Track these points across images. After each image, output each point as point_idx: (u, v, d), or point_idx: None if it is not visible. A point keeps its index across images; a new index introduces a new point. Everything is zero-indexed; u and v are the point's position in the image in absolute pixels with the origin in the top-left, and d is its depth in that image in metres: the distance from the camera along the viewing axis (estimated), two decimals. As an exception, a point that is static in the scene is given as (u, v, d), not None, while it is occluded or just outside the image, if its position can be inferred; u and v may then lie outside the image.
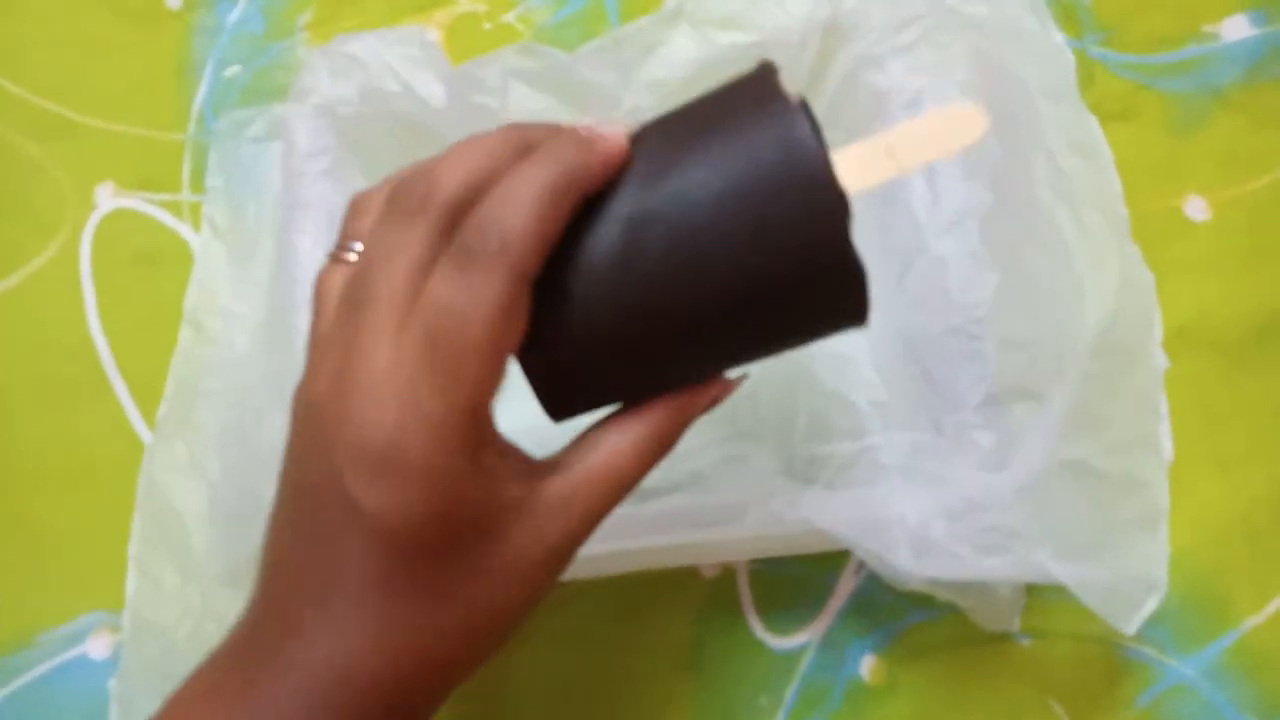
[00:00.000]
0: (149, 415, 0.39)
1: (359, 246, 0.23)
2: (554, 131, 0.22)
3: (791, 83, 0.33)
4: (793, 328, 0.24)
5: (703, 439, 0.36)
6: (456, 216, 0.21)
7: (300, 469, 0.22)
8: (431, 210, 0.21)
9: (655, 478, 0.35)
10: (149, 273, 0.41)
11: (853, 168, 0.23)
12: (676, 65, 0.36)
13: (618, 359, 0.23)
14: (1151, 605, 0.27)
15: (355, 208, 0.24)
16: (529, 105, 0.36)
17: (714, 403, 0.24)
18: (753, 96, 0.23)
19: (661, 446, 0.24)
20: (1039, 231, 0.34)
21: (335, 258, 0.23)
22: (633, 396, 0.24)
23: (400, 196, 0.21)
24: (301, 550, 0.21)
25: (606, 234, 0.22)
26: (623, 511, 0.34)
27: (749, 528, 0.32)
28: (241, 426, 0.34)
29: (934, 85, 0.35)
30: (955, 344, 0.33)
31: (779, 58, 0.36)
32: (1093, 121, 0.36)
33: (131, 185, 0.43)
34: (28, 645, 0.36)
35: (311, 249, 0.33)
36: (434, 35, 0.40)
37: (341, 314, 0.21)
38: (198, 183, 0.42)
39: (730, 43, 0.36)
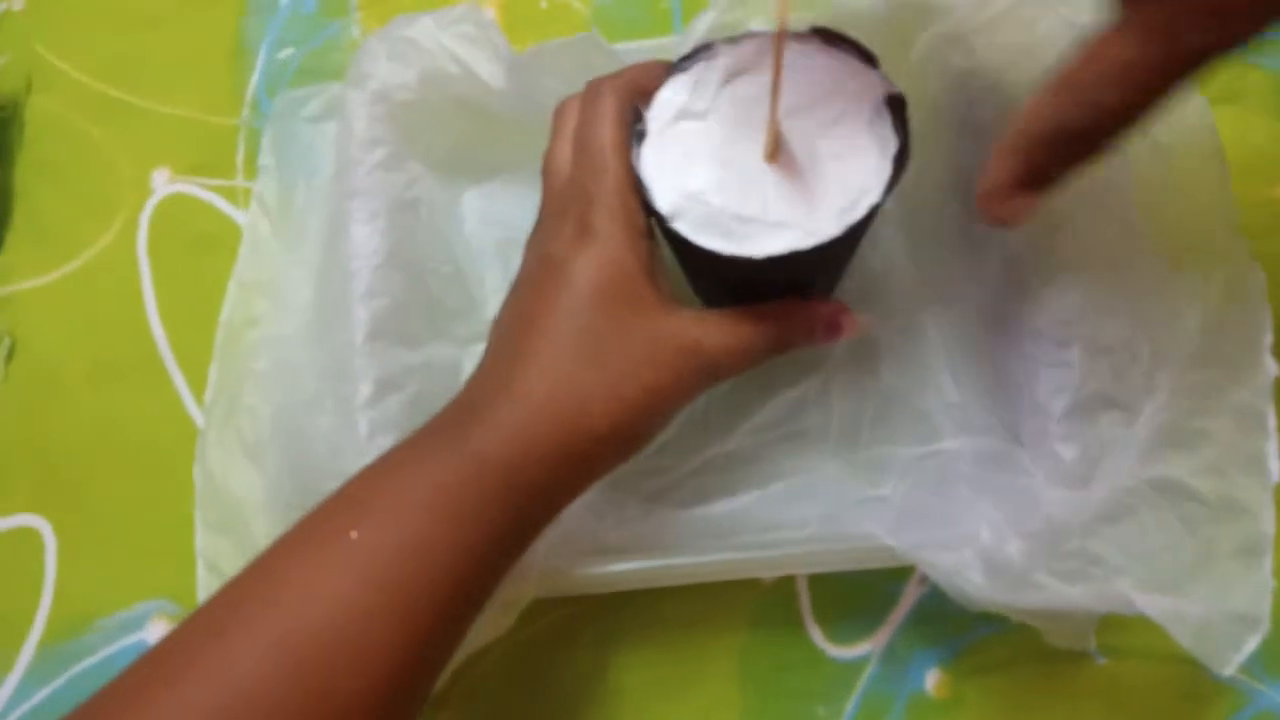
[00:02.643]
0: (202, 398, 0.39)
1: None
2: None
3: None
4: None
5: (765, 438, 0.35)
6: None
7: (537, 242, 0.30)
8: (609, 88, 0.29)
9: (713, 484, 0.34)
10: (203, 258, 0.41)
11: None
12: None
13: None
14: (1252, 645, 0.25)
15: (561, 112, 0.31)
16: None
17: (829, 334, 0.30)
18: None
19: (778, 344, 0.29)
20: (1135, 226, 0.31)
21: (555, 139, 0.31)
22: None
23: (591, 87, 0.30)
24: (514, 308, 0.29)
25: None
26: (684, 517, 0.33)
27: (810, 542, 0.31)
28: (293, 416, 0.34)
29: (1019, 65, 0.33)
30: (1039, 348, 0.31)
31: (857, 36, 0.35)
32: (1201, 103, 0.33)
33: (186, 170, 0.43)
34: (87, 631, 0.37)
35: (368, 239, 0.33)
36: (490, 14, 0.38)
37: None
38: (251, 167, 0.42)
39: (804, 26, 0.34)
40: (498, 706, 0.35)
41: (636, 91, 0.29)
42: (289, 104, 0.40)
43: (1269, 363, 0.29)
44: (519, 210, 0.38)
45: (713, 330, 0.28)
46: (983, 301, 0.33)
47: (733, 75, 0.29)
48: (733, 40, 0.29)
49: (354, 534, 0.24)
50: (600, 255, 0.27)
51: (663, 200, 0.27)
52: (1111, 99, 0.23)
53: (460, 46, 0.34)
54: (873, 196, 0.26)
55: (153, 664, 0.24)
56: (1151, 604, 0.25)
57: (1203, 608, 0.25)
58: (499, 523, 0.25)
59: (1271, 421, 0.28)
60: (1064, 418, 0.30)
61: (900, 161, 0.27)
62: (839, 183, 0.27)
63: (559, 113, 0.31)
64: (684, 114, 0.29)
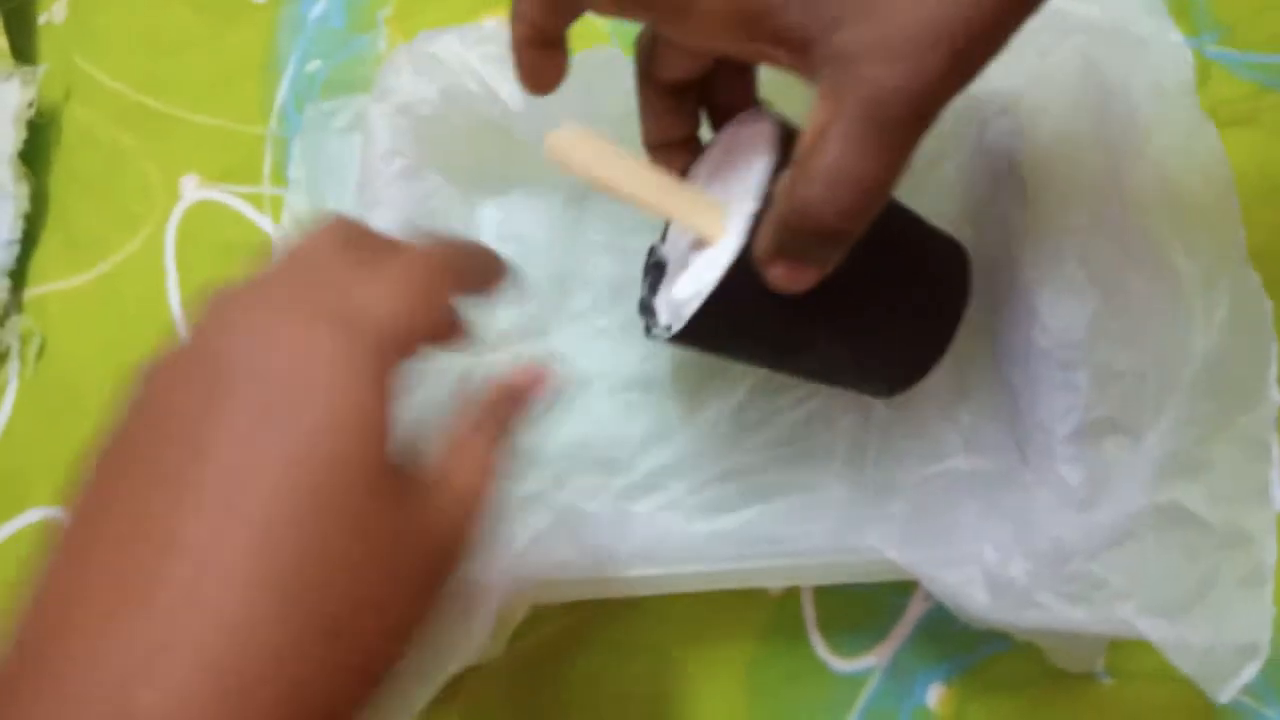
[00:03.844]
0: (226, 405, 0.40)
1: None
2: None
3: None
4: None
5: (771, 455, 0.35)
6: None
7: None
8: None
9: (720, 498, 0.35)
10: (228, 263, 0.42)
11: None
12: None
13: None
14: (1250, 673, 0.25)
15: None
16: (608, 109, 0.35)
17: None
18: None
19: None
20: (1144, 253, 0.32)
21: None
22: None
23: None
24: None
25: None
26: (689, 531, 0.34)
27: (815, 554, 0.31)
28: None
29: (1032, 91, 0.33)
30: (1046, 370, 0.31)
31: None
32: (1211, 131, 0.33)
33: (215, 177, 0.44)
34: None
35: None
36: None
37: None
38: (278, 176, 0.43)
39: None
40: (500, 714, 0.35)
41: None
42: (318, 117, 0.41)
43: (1274, 393, 0.29)
44: (535, 224, 0.39)
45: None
46: (991, 322, 0.34)
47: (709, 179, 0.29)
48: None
49: None
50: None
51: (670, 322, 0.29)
52: (831, 198, 0.21)
53: (483, 65, 0.34)
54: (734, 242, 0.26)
55: None
56: (1154, 628, 0.25)
57: (1204, 634, 0.25)
58: None
59: (1275, 451, 0.28)
60: (1069, 440, 0.30)
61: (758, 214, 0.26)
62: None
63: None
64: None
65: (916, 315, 0.30)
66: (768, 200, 0.25)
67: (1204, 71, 0.39)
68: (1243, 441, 0.28)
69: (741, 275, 0.26)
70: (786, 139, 0.27)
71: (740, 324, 0.28)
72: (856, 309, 0.29)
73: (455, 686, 0.35)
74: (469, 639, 0.29)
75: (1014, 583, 0.27)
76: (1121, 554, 0.27)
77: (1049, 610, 0.26)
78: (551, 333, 0.38)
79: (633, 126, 0.36)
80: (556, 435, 0.37)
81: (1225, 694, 0.25)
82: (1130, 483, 0.28)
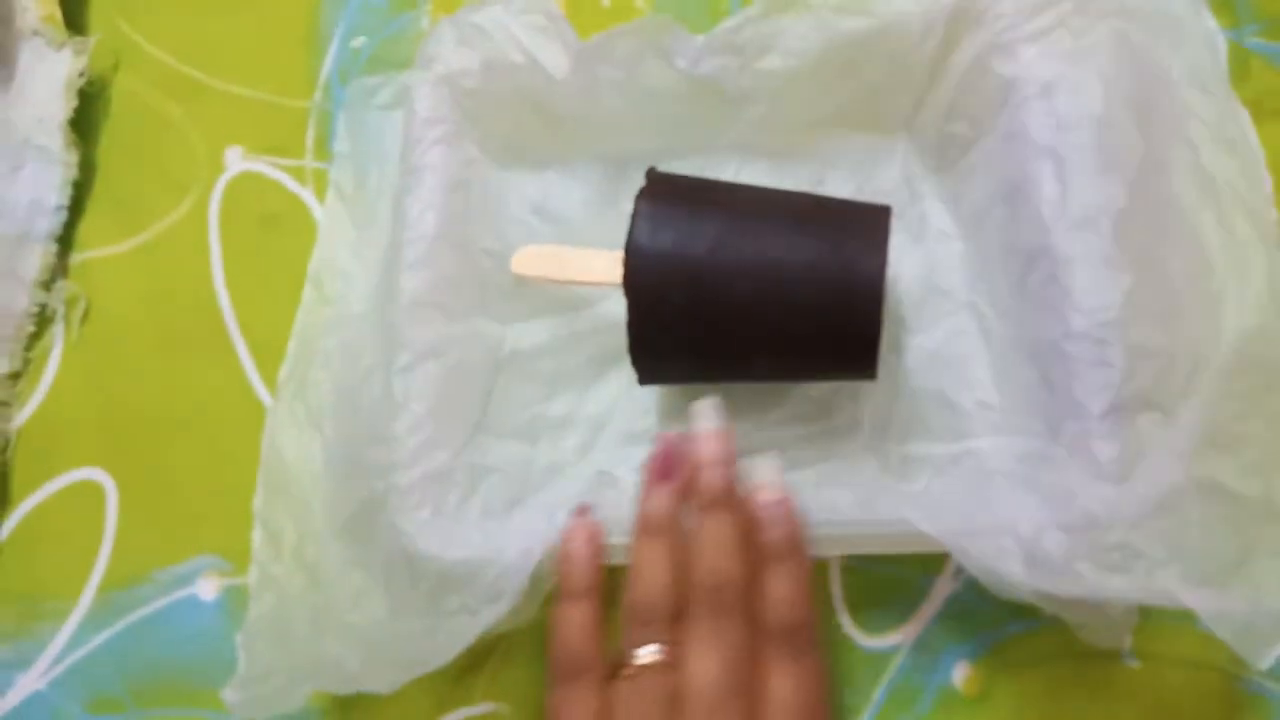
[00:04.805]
0: (263, 369, 0.41)
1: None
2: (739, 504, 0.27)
3: (910, 80, 0.37)
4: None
5: (798, 432, 0.36)
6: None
7: None
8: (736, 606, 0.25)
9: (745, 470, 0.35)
10: (270, 235, 0.43)
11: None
12: (793, 55, 0.36)
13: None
14: (1287, 641, 0.25)
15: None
16: (653, 83, 0.36)
17: None
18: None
19: None
20: (1178, 233, 0.32)
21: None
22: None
23: (704, 597, 0.25)
24: None
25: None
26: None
27: (843, 524, 0.31)
28: (351, 388, 0.35)
29: (1068, 74, 0.33)
30: (1079, 349, 0.31)
31: (900, 44, 0.36)
32: (1244, 115, 0.33)
33: (259, 149, 0.44)
34: (146, 581, 0.38)
35: (421, 213, 0.34)
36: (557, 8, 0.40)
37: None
38: (321, 149, 0.44)
39: (851, 28, 0.35)
40: (531, 676, 0.35)
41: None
42: (361, 92, 0.42)
43: (1307, 370, 0.29)
44: (570, 204, 0.39)
45: None
46: (1024, 303, 0.34)
47: None
48: None
49: None
50: None
51: None
52: None
53: (527, 35, 0.35)
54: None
55: None
56: (1194, 598, 0.25)
57: (1243, 604, 0.25)
58: None
59: (1308, 427, 0.28)
60: (1103, 417, 0.30)
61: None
62: None
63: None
64: None
65: (834, 293, 0.31)
66: (628, 242, 0.31)
67: (1245, 63, 0.39)
68: (1274, 418, 0.28)
69: (639, 313, 0.32)
70: (657, 185, 0.33)
71: (669, 355, 0.33)
72: (771, 310, 0.32)
73: (485, 651, 0.35)
74: (499, 605, 0.29)
75: (1049, 554, 0.28)
76: (1160, 525, 0.27)
77: (1087, 580, 0.26)
78: (582, 309, 0.38)
79: (671, 100, 0.37)
80: (582, 406, 0.37)
81: (1265, 660, 0.25)
82: (1165, 458, 0.28)
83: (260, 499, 0.36)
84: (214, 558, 0.38)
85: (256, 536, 0.35)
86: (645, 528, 0.27)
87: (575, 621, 0.26)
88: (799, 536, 0.26)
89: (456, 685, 0.35)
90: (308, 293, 0.39)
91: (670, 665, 0.24)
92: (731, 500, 0.26)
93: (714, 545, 0.25)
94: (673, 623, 0.25)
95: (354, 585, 0.31)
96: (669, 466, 0.27)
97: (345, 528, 0.32)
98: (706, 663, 0.24)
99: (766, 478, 0.27)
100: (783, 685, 0.24)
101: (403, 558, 0.31)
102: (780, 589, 0.25)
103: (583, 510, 0.28)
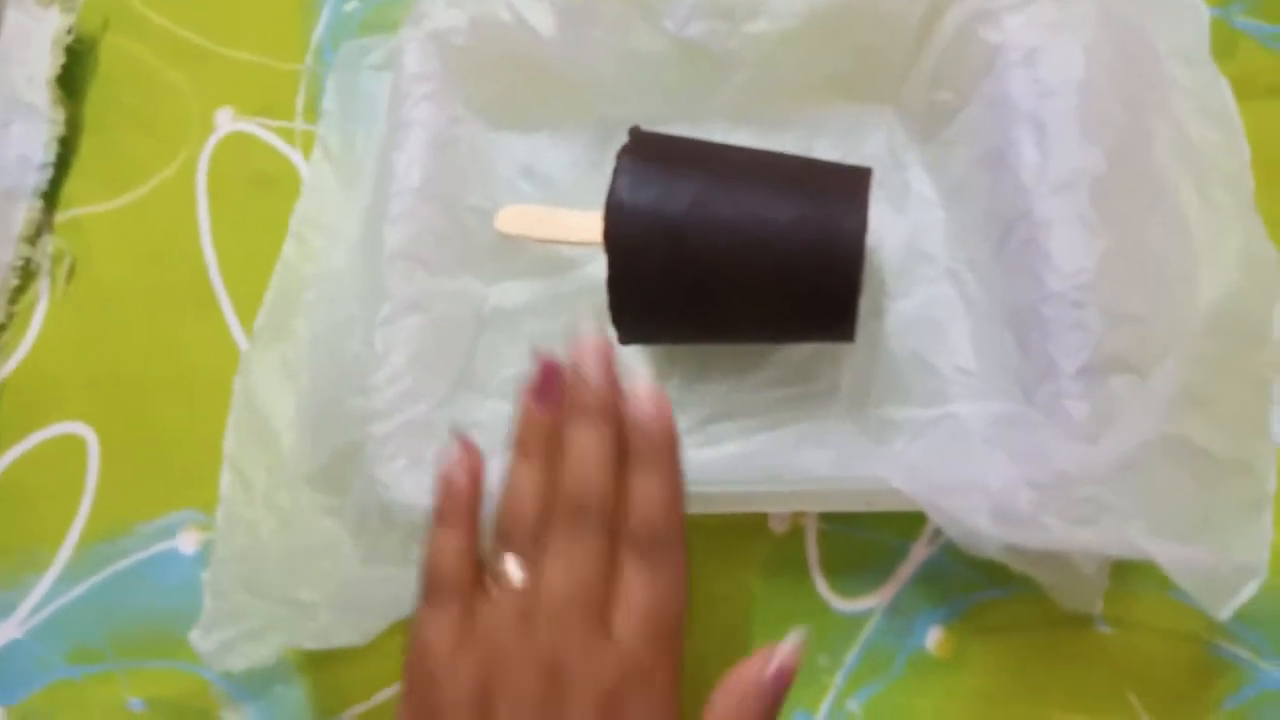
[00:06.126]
0: (248, 328, 0.41)
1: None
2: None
3: (897, 47, 0.37)
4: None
5: (776, 395, 0.36)
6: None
7: None
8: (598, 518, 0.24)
9: (723, 432, 0.35)
10: (258, 195, 0.43)
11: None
12: (781, 19, 0.36)
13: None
14: (1249, 592, 0.25)
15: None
16: (641, 45, 0.36)
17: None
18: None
19: None
20: (1156, 200, 0.32)
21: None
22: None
23: (565, 509, 0.24)
24: None
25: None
26: (695, 456, 0.34)
27: (820, 482, 0.31)
28: (330, 339, 0.35)
29: (1052, 42, 0.34)
30: (1055, 312, 0.31)
31: (888, 9, 0.36)
32: (1225, 86, 0.33)
33: (249, 111, 0.45)
34: (127, 533, 0.39)
35: (407, 167, 0.34)
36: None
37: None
38: (311, 112, 0.44)
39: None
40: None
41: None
42: (353, 53, 0.42)
43: (1278, 335, 0.29)
44: (557, 167, 0.40)
45: None
46: (1003, 267, 0.34)
47: None
48: None
49: None
50: None
51: None
52: None
53: (516, -6, 0.35)
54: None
55: None
56: (1158, 548, 0.26)
57: (1207, 555, 0.25)
58: None
59: (1277, 389, 0.29)
60: (1076, 376, 0.30)
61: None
62: None
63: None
64: None
65: (815, 251, 0.31)
66: (609, 198, 0.32)
67: (1232, 41, 0.40)
68: (1246, 380, 0.29)
69: (619, 270, 0.32)
70: (639, 142, 0.33)
71: (650, 314, 0.33)
72: (752, 269, 0.32)
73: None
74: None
75: (1020, 508, 0.28)
76: (1128, 480, 0.27)
77: (1055, 532, 0.27)
78: (566, 271, 0.38)
79: (659, 63, 0.37)
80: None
81: (1225, 612, 0.25)
82: (1137, 416, 0.28)
83: (231, 442, 0.36)
84: (195, 512, 0.39)
85: (225, 478, 0.35)
86: (518, 444, 0.26)
87: (447, 546, 0.25)
88: (669, 442, 0.25)
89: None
90: (289, 246, 0.39)
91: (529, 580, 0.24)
92: (607, 413, 0.25)
93: (580, 457, 0.24)
94: (536, 538, 0.24)
95: (326, 533, 0.32)
96: (547, 382, 0.26)
97: (319, 475, 0.32)
98: (557, 574, 0.23)
99: (643, 387, 0.26)
100: (636, 596, 0.24)
101: (377, 506, 0.31)
102: (643, 493, 0.24)
103: (463, 440, 0.27)
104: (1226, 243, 0.31)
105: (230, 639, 0.31)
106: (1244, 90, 0.34)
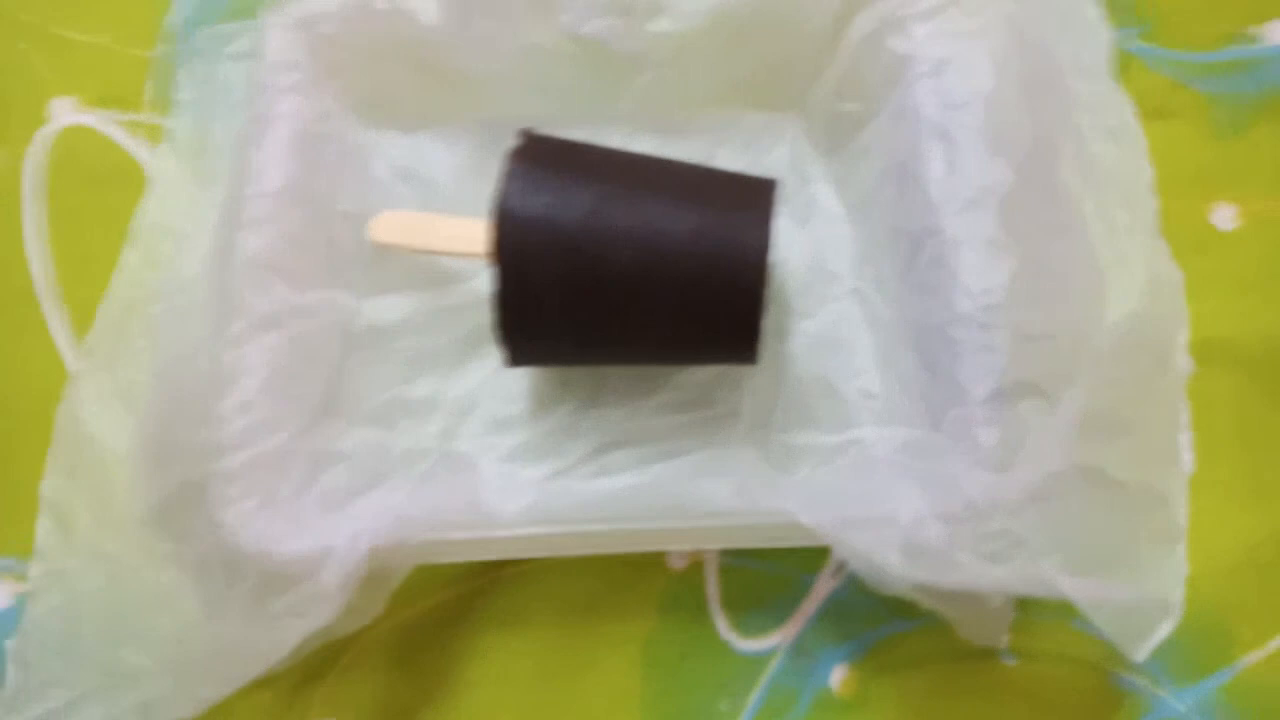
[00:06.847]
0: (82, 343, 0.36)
1: None
2: None
3: (804, 54, 0.35)
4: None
5: (675, 421, 0.34)
6: None
7: None
8: None
9: (619, 461, 0.33)
10: (99, 196, 0.38)
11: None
12: (685, 19, 0.34)
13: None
14: (1165, 631, 0.24)
15: None
16: (535, 40, 0.34)
17: None
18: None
19: None
20: (1062, 218, 0.31)
21: None
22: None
23: None
24: None
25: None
26: (587, 488, 0.32)
27: (719, 516, 0.29)
28: (177, 360, 0.31)
29: (960, 53, 0.33)
30: (963, 333, 0.30)
31: (794, 14, 0.34)
32: (1127, 105, 0.33)
33: (91, 101, 0.40)
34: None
35: (264, 165, 0.30)
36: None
37: None
38: (161, 104, 0.39)
39: (744, -6, 0.34)
40: (376, 689, 0.32)
41: None
42: (213, 39, 0.37)
43: (1184, 360, 0.29)
44: (440, 170, 0.37)
45: None
46: (911, 287, 0.33)
47: None
48: None
49: None
50: None
51: None
52: None
53: (390, -23, 0.32)
54: None
55: None
56: (1073, 587, 0.25)
57: (1122, 593, 0.24)
58: None
59: (1185, 415, 0.28)
60: (986, 402, 0.29)
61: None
62: None
63: None
64: None
65: (717, 265, 0.29)
66: (496, 204, 0.29)
67: (1125, 63, 0.40)
68: (1155, 406, 0.28)
69: (507, 285, 0.29)
70: (530, 145, 0.30)
71: (540, 333, 0.30)
72: (651, 284, 0.29)
73: (329, 659, 0.32)
74: (326, 605, 0.26)
75: (931, 543, 0.26)
76: (1040, 513, 0.26)
77: (968, 569, 0.25)
78: (449, 284, 0.35)
79: (554, 61, 0.35)
80: (446, 389, 0.34)
81: (1141, 653, 0.24)
82: (1046, 444, 0.27)
83: (50, 482, 0.31)
84: (10, 559, 0.33)
85: (42, 526, 0.30)
86: None
87: None
88: None
89: (294, 697, 0.32)
90: (128, 254, 0.34)
91: None
92: None
93: None
94: None
95: (162, 585, 0.27)
96: None
97: (155, 516, 0.28)
98: None
99: None
100: None
101: (219, 553, 0.27)
102: None
103: None
104: (1131, 262, 0.30)
105: (36, 717, 0.26)
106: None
